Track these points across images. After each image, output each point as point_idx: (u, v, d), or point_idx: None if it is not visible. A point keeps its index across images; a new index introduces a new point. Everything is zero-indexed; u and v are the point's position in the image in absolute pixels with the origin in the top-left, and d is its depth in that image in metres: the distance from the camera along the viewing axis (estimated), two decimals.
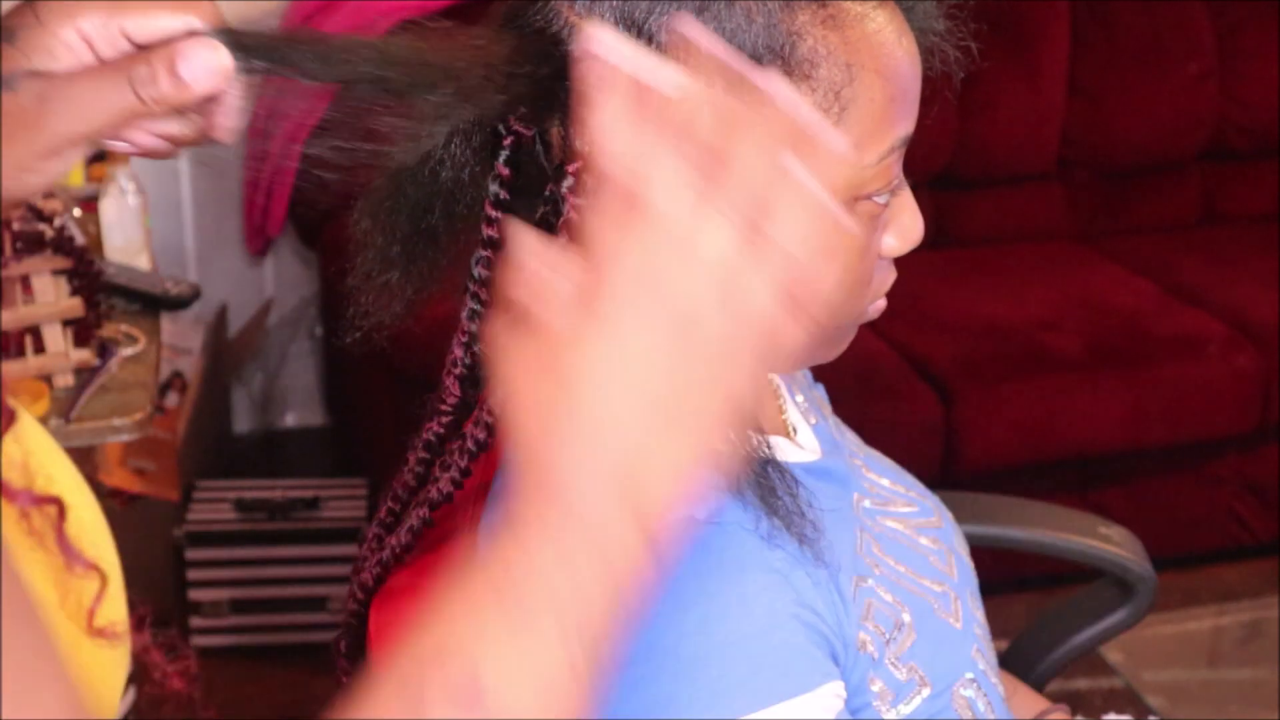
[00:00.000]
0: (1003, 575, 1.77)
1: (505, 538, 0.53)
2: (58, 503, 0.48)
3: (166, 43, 0.58)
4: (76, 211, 2.10)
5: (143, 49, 0.58)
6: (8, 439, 0.47)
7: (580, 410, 0.51)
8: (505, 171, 0.73)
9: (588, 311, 0.50)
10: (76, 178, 2.23)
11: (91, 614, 0.49)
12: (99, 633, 0.49)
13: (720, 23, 0.68)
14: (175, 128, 0.61)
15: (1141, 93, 2.88)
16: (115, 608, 0.51)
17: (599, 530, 0.52)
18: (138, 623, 0.54)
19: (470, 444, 0.76)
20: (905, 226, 0.78)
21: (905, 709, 0.79)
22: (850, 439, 0.97)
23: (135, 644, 0.54)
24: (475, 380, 0.78)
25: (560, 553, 0.52)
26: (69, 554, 0.48)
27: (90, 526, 0.51)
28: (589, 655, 0.53)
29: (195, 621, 2.20)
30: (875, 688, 0.78)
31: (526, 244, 0.51)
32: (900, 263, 0.81)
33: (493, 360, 0.54)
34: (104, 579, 0.49)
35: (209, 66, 0.58)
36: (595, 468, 0.52)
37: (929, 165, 2.71)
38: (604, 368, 0.51)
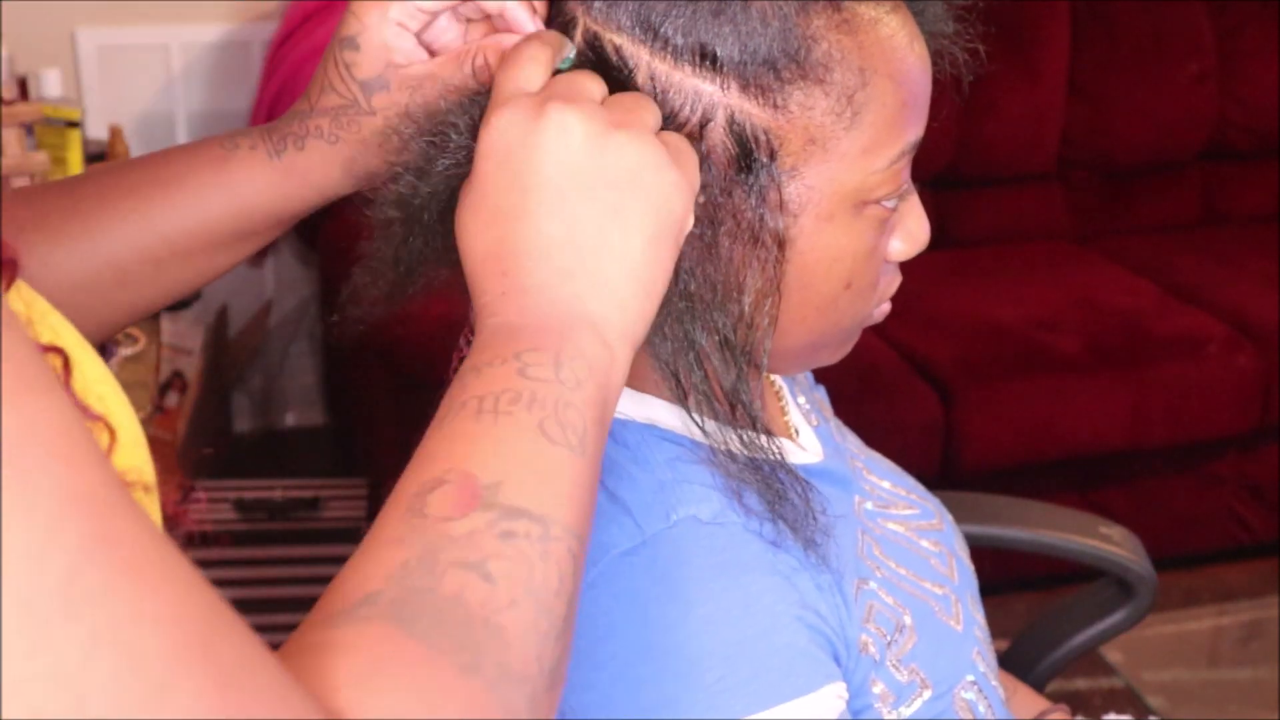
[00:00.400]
0: (1003, 575, 1.77)
1: (466, 369, 0.61)
2: (62, 354, 0.48)
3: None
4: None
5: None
6: (10, 293, 0.47)
7: (527, 236, 0.64)
8: None
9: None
10: None
11: None
12: None
13: (736, 25, 0.68)
14: None
15: (1141, 93, 2.88)
16: (129, 456, 0.52)
17: (552, 332, 0.62)
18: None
19: None
20: (912, 231, 0.79)
21: (906, 711, 0.79)
22: (851, 441, 0.97)
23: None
24: None
25: (520, 360, 0.61)
26: (77, 407, 0.47)
27: (96, 379, 0.51)
28: (576, 439, 0.59)
29: None
30: (877, 689, 0.78)
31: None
32: (900, 263, 0.81)
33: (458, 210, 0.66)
34: (112, 431, 0.50)
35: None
36: (545, 281, 0.63)
37: (929, 165, 2.71)
38: (543, 198, 0.64)
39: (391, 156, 0.74)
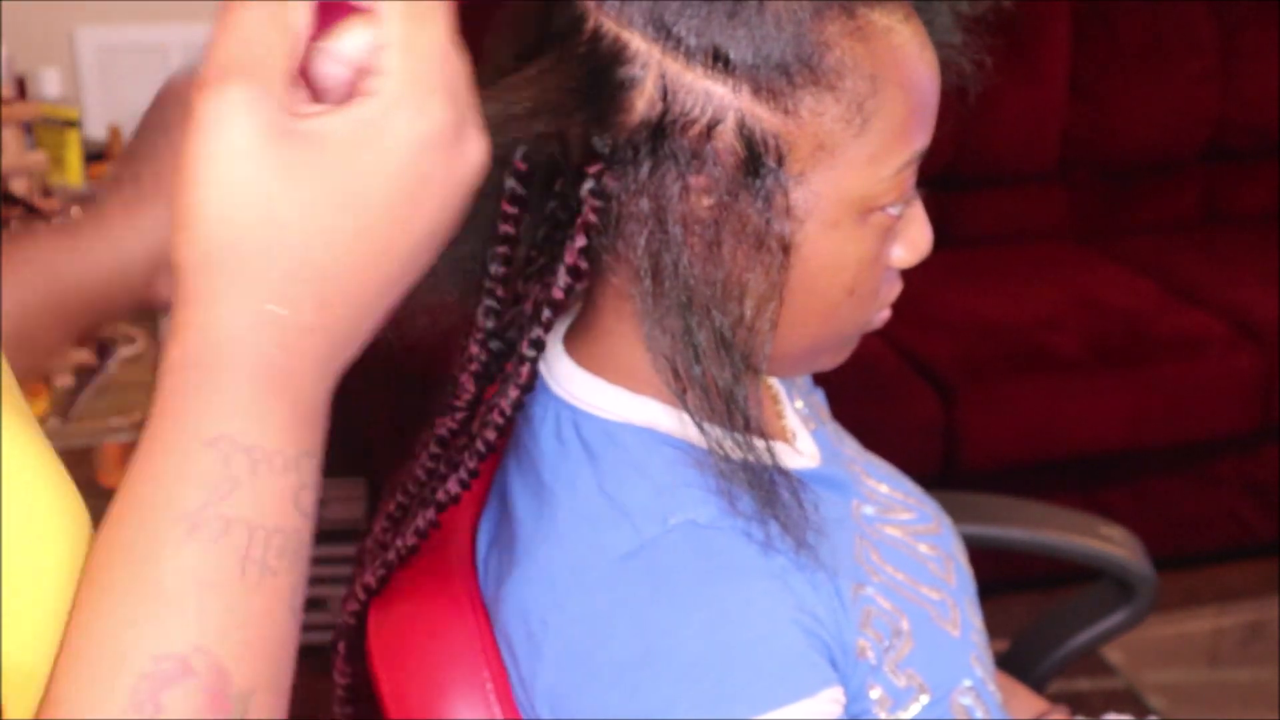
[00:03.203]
0: (1003, 575, 1.77)
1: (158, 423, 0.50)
2: None
3: None
4: (75, 211, 2.09)
5: None
6: None
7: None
8: (522, 166, 0.72)
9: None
10: (75, 177, 2.23)
11: None
12: None
13: (750, 28, 0.68)
14: None
15: (1142, 93, 2.88)
16: None
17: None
18: None
19: (480, 445, 0.76)
20: (915, 238, 0.79)
21: (904, 715, 0.79)
22: (849, 445, 0.97)
23: None
24: (489, 377, 0.78)
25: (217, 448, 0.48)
26: None
27: None
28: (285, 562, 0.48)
29: None
30: (874, 694, 0.78)
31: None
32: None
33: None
34: None
35: None
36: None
37: (929, 165, 2.70)
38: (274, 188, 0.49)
39: None
